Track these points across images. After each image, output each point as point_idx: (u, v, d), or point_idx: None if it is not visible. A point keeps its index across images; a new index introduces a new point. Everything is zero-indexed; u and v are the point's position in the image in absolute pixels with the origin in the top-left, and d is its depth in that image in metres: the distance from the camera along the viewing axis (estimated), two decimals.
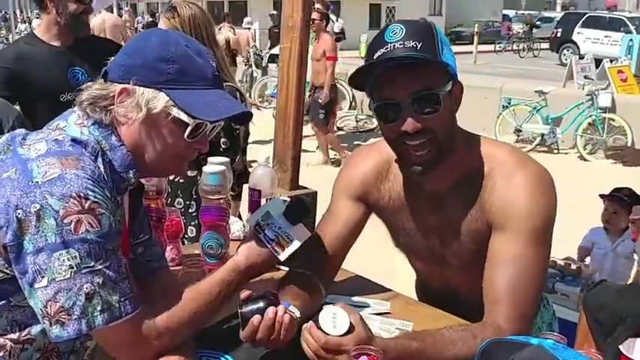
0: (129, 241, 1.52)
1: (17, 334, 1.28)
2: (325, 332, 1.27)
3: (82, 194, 1.19)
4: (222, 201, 1.80)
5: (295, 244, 1.43)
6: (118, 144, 1.32)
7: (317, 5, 7.89)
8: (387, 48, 1.40)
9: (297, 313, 1.41)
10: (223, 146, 2.64)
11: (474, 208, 1.55)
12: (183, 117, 1.30)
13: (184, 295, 1.36)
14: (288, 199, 1.51)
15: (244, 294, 1.40)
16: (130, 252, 1.51)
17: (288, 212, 1.45)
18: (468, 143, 1.58)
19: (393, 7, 33.59)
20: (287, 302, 1.43)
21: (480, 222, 1.54)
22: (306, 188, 2.15)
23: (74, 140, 1.27)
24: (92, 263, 1.19)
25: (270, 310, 1.36)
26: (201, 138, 1.36)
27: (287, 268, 1.79)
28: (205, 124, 1.34)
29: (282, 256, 1.44)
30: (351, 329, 1.27)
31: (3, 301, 1.26)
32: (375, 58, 1.42)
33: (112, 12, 13.13)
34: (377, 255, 2.91)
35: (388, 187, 1.67)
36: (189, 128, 1.31)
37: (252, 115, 1.49)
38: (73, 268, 1.17)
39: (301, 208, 1.48)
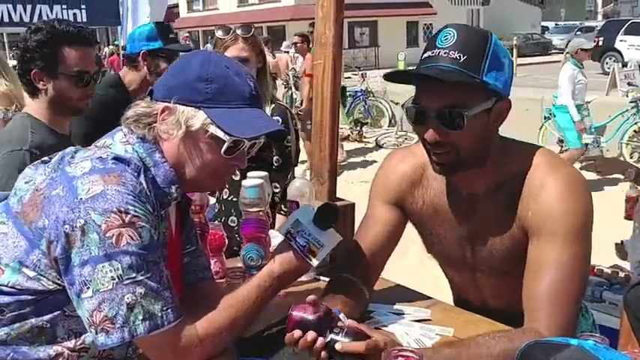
0: (179, 252, 1.59)
1: (73, 342, 1.35)
2: None
3: (122, 209, 1.25)
4: (261, 213, 1.85)
5: (326, 249, 1.47)
6: (162, 161, 1.39)
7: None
8: (432, 52, 1.43)
9: (346, 322, 1.42)
10: (276, 164, 2.68)
11: (509, 214, 1.54)
12: (220, 134, 1.36)
13: (223, 302, 1.41)
14: (317, 206, 1.54)
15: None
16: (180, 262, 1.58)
17: (318, 218, 1.48)
18: (504, 149, 1.58)
19: (431, 24, 33.55)
20: (337, 310, 1.45)
21: (516, 228, 1.54)
22: (343, 200, 2.18)
23: (117, 158, 1.34)
24: (134, 274, 1.25)
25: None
26: (238, 155, 1.42)
27: (327, 279, 1.83)
28: (243, 142, 1.40)
29: (314, 261, 1.48)
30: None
31: (58, 311, 1.33)
32: (423, 58, 1.46)
33: None
34: (422, 270, 2.89)
35: (422, 193, 1.69)
36: (225, 145, 1.37)
37: (287, 133, 1.54)
38: (115, 279, 1.24)
39: (330, 213, 1.51)
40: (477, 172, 1.54)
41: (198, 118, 1.36)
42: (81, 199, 1.25)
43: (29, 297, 1.31)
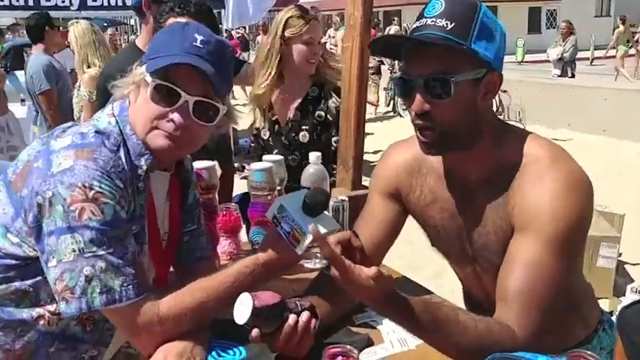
0: (178, 229, 1.60)
1: (55, 306, 1.40)
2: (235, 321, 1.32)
3: (87, 184, 1.29)
4: (269, 197, 1.84)
5: (309, 237, 1.40)
6: (130, 133, 1.42)
7: None
8: (420, 22, 1.38)
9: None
10: (335, 144, 2.52)
11: (500, 206, 1.44)
12: (148, 79, 1.38)
13: (196, 283, 1.41)
14: (307, 190, 1.47)
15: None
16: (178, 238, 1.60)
17: (307, 204, 1.43)
18: (500, 135, 1.46)
19: (554, 10, 31.74)
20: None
21: (504, 220, 1.43)
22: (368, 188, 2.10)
23: (98, 132, 1.38)
24: (94, 248, 1.29)
25: (292, 317, 1.35)
26: (178, 107, 1.36)
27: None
28: (174, 90, 1.36)
29: (299, 249, 1.42)
30: (257, 313, 1.30)
31: (40, 277, 1.39)
32: (411, 29, 1.41)
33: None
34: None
35: (420, 182, 1.61)
36: (149, 88, 1.37)
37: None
38: (76, 251, 1.28)
39: (319, 199, 1.44)
40: (470, 154, 1.45)
41: (139, 70, 1.41)
42: (52, 172, 1.30)
43: (13, 262, 1.38)
